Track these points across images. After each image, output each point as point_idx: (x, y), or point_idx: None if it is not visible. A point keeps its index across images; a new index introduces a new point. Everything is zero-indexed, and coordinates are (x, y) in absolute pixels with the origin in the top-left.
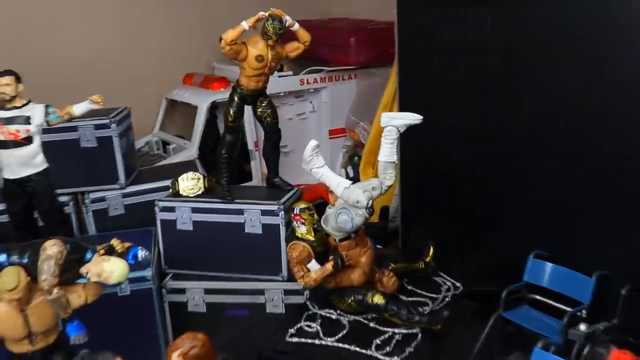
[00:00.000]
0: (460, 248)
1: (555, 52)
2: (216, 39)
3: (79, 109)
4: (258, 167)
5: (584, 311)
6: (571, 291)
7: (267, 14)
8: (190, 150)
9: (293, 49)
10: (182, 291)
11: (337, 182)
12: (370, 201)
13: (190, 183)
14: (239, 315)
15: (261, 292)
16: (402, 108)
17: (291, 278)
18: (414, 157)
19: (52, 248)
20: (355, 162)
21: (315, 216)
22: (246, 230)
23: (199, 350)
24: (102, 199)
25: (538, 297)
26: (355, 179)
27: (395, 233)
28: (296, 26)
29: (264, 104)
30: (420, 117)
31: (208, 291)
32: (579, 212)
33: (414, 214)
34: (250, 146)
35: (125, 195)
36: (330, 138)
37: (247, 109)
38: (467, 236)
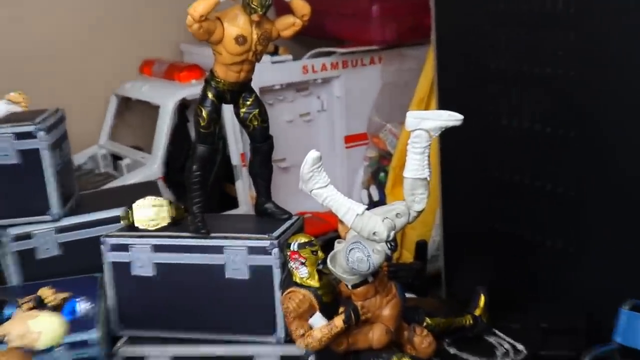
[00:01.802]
0: (525, 296)
1: None
2: (184, 12)
3: None
4: (246, 189)
5: None
6: None
7: None
8: (151, 167)
9: (287, 25)
10: None
11: (347, 207)
12: (393, 232)
13: (149, 212)
14: None
15: (250, 359)
16: (442, 103)
17: (289, 338)
18: (461, 172)
19: None
20: (381, 180)
21: (320, 254)
22: (227, 275)
23: None
24: (28, 236)
25: None
26: (381, 203)
27: (437, 277)
28: None
29: (248, 103)
30: (460, 116)
31: (177, 359)
32: None
33: (461, 251)
34: (235, 161)
35: (59, 230)
36: (346, 147)
37: (228, 110)
38: (534, 280)
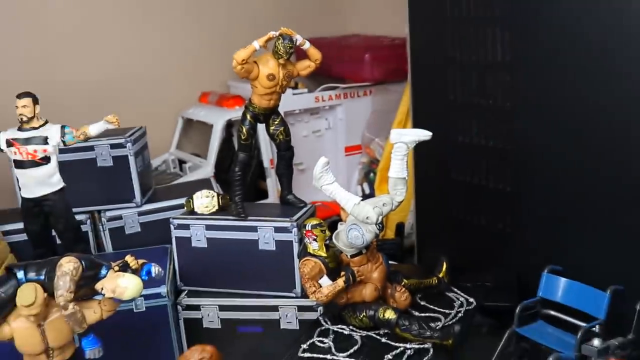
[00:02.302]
0: (475, 263)
1: (569, 66)
2: (231, 57)
3: (94, 129)
4: (274, 185)
5: (598, 326)
6: (586, 306)
7: (277, 33)
8: (206, 169)
9: (304, 67)
10: (197, 308)
11: (347, 199)
12: (380, 217)
13: (204, 201)
14: (253, 331)
15: (275, 308)
16: (416, 124)
17: (305, 294)
18: (429, 173)
19: (68, 265)
20: (370, 179)
21: (327, 232)
22: (260, 247)
23: None
24: (119, 217)
25: (552, 312)
26: (371, 196)
27: (411, 249)
28: (307, 45)
29: (276, 122)
30: (430, 133)
31: (223, 308)
32: (594, 226)
33: (429, 230)
34: (266, 164)
35: (141, 214)
36: (346, 155)
37: (262, 127)
38: (482, 251)
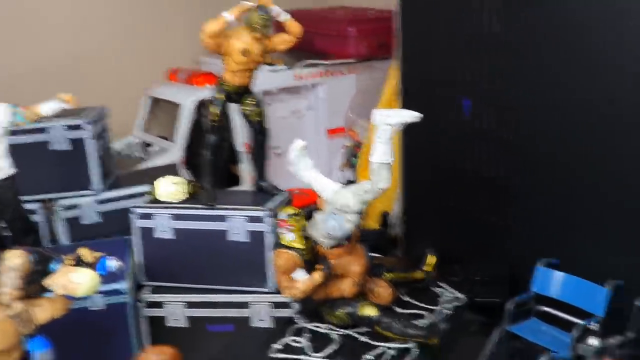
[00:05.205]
0: (464, 256)
1: (571, 46)
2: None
3: (47, 108)
4: (248, 170)
5: (595, 324)
6: (583, 302)
7: (252, 3)
8: (174, 153)
9: (282, 41)
10: (161, 305)
11: (324, 186)
12: (362, 205)
13: (170, 188)
14: (223, 330)
15: (246, 305)
16: (404, 104)
17: (279, 289)
18: (417, 159)
19: (13, 259)
20: (354, 164)
21: (304, 222)
22: (230, 239)
23: None
24: (75, 206)
25: (547, 308)
26: (354, 182)
27: (396, 240)
28: (285, 17)
29: (249, 102)
30: (419, 115)
31: (189, 305)
32: (591, 217)
33: (416, 220)
34: (240, 148)
35: (100, 202)
36: (328, 138)
37: (235, 107)
38: (472, 243)
